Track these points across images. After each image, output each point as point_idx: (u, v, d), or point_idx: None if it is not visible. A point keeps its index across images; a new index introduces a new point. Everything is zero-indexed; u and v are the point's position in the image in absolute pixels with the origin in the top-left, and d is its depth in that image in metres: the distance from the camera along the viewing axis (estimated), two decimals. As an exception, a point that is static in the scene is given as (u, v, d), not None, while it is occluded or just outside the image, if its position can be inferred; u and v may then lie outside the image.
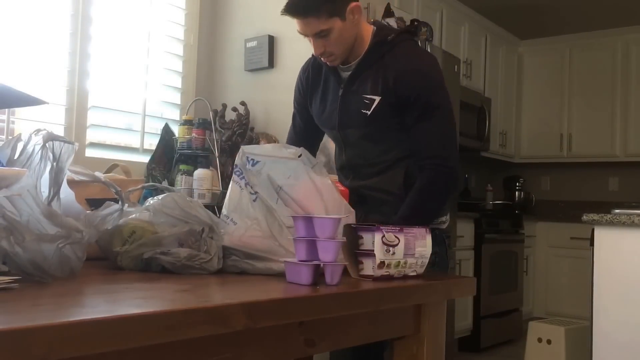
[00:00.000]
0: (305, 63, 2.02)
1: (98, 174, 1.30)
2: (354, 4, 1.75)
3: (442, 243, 1.84)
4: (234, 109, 3.22)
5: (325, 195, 1.43)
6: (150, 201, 1.41)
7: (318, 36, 1.74)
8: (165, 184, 2.83)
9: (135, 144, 3.22)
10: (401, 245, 1.30)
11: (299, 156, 1.40)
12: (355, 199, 1.84)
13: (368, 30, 1.81)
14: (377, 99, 1.75)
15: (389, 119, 1.77)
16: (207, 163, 2.96)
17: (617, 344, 2.61)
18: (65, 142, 1.13)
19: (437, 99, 1.76)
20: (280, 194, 1.40)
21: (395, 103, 1.74)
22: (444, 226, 1.88)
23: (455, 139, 1.84)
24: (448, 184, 1.79)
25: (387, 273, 1.29)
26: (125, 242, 1.30)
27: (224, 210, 1.40)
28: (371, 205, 1.85)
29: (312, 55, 1.91)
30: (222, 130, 3.17)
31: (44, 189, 1.11)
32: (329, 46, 1.75)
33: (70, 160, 1.15)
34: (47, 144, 1.12)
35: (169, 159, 3.06)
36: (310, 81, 1.95)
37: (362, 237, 1.32)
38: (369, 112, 1.76)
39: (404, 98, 1.73)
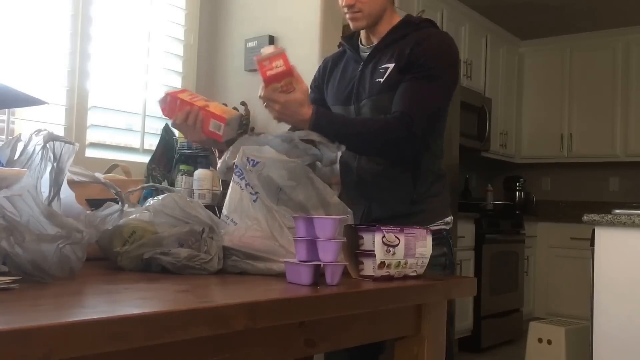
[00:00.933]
0: (326, 57, 2.05)
1: (98, 174, 1.30)
2: None
3: (449, 244, 1.85)
4: (234, 109, 3.22)
5: (326, 197, 1.43)
6: (151, 201, 1.41)
7: None
8: (165, 184, 2.83)
9: (136, 144, 3.22)
10: (401, 246, 1.30)
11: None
12: (358, 193, 1.82)
13: (396, 19, 1.85)
14: (391, 65, 1.77)
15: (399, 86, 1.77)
16: (207, 163, 2.96)
17: (618, 344, 2.61)
18: (66, 142, 1.13)
19: (439, 73, 1.74)
20: (281, 195, 1.40)
21: (404, 67, 1.74)
22: (449, 227, 1.88)
23: (437, 117, 1.79)
24: (401, 139, 1.68)
25: (388, 273, 1.29)
26: (125, 243, 1.30)
27: (224, 211, 1.40)
28: (373, 192, 1.82)
29: (339, 45, 1.96)
30: (223, 131, 3.16)
31: (45, 190, 1.11)
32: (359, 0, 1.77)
33: (71, 161, 1.15)
34: (47, 145, 1.11)
35: (169, 159, 3.06)
36: (329, 69, 1.98)
37: (362, 238, 1.32)
38: (382, 80, 1.77)
39: (412, 61, 1.73)
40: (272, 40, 3.30)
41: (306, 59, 3.23)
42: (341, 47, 1.99)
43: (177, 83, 3.42)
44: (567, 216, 5.41)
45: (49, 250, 1.05)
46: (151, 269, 1.27)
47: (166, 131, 3.10)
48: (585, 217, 2.73)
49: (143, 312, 0.82)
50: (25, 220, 1.03)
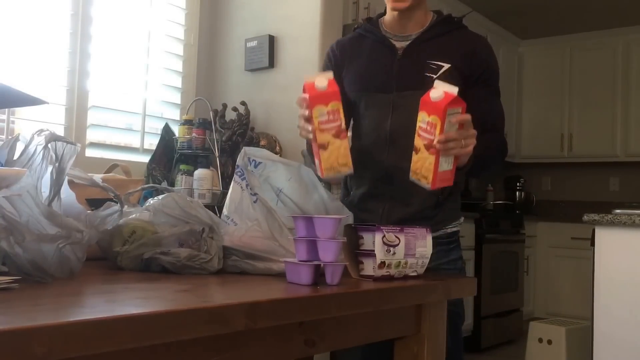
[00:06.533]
0: (335, 42, 1.97)
1: (96, 177, 1.30)
2: None
3: (460, 246, 1.87)
4: (234, 109, 3.22)
5: (326, 198, 1.43)
6: (151, 201, 1.41)
7: None
8: (165, 184, 2.83)
9: (136, 144, 3.22)
10: (402, 246, 1.30)
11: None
12: (380, 190, 1.77)
13: (429, 13, 1.85)
14: (446, 65, 1.75)
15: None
16: (207, 163, 2.96)
17: (618, 344, 2.61)
18: (67, 142, 1.13)
19: (497, 78, 1.85)
20: (280, 197, 1.40)
21: (468, 74, 1.76)
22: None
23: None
24: (503, 151, 1.85)
25: (388, 273, 1.29)
26: (125, 242, 1.30)
27: (225, 211, 1.40)
28: (400, 191, 1.76)
29: (354, 29, 1.94)
30: (223, 130, 3.17)
31: (45, 190, 1.11)
32: None
33: (72, 161, 1.15)
34: (49, 145, 1.11)
35: (169, 159, 3.06)
36: (348, 54, 1.89)
37: (362, 237, 1.32)
38: (435, 76, 1.74)
39: (479, 70, 1.77)
40: (272, 39, 3.30)
41: (306, 59, 3.23)
42: (356, 31, 1.90)
43: (177, 83, 3.42)
44: (567, 216, 5.41)
45: (49, 250, 1.05)
46: (151, 269, 1.27)
47: (166, 131, 3.10)
48: (585, 217, 2.73)
49: (143, 312, 0.82)
50: (25, 220, 1.03)
